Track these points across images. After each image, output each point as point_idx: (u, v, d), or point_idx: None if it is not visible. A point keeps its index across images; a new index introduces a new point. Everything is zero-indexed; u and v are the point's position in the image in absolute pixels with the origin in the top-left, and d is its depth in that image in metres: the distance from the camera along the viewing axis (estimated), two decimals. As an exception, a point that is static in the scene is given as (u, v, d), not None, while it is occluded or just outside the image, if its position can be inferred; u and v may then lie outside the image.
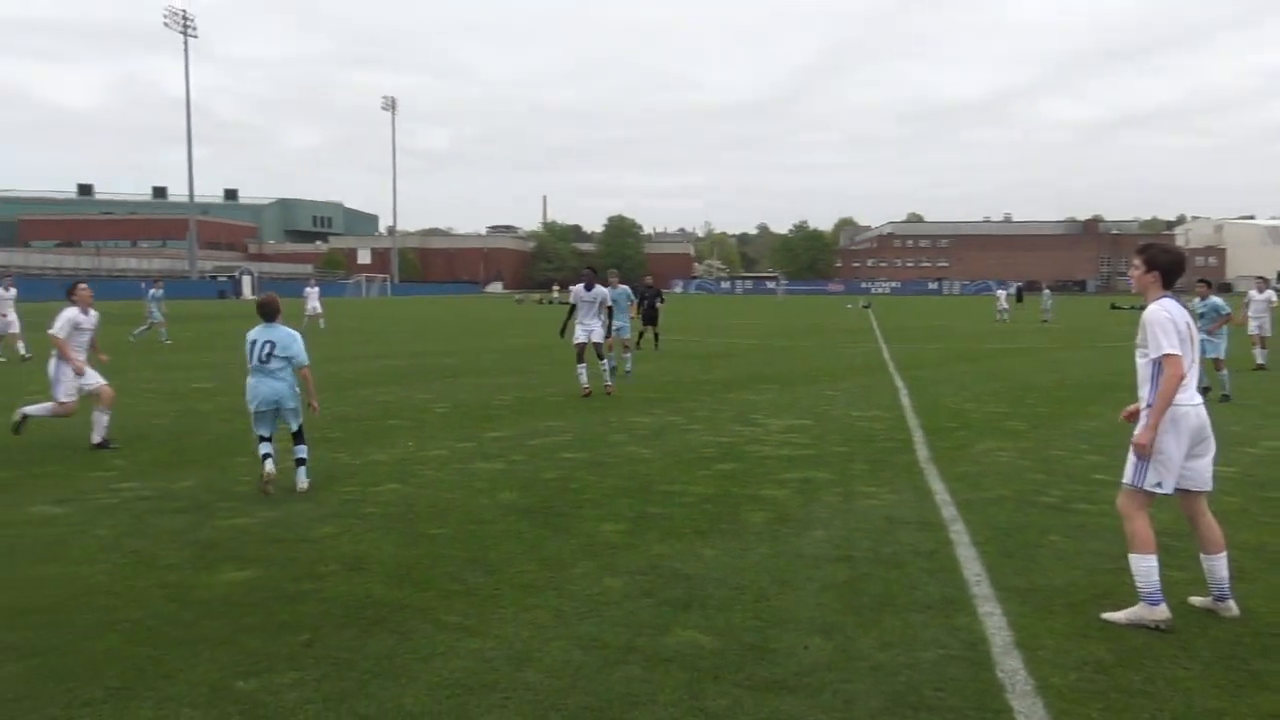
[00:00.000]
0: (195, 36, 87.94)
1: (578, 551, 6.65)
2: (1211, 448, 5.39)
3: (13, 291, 23.11)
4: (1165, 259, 5.45)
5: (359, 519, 7.58)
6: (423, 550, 6.68)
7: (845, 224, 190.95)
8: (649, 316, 25.32)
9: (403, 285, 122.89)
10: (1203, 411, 5.33)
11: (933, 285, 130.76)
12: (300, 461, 8.71)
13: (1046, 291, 49.57)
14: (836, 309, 60.57)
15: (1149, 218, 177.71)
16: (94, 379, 11.03)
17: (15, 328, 22.60)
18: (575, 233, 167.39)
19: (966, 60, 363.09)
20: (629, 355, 18.58)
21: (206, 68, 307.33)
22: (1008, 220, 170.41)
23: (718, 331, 35.94)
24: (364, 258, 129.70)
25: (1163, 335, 5.25)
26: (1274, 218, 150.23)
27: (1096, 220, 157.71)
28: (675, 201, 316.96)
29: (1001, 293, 49.97)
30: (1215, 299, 16.54)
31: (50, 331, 10.93)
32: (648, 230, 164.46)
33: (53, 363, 10.97)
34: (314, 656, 4.79)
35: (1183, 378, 5.20)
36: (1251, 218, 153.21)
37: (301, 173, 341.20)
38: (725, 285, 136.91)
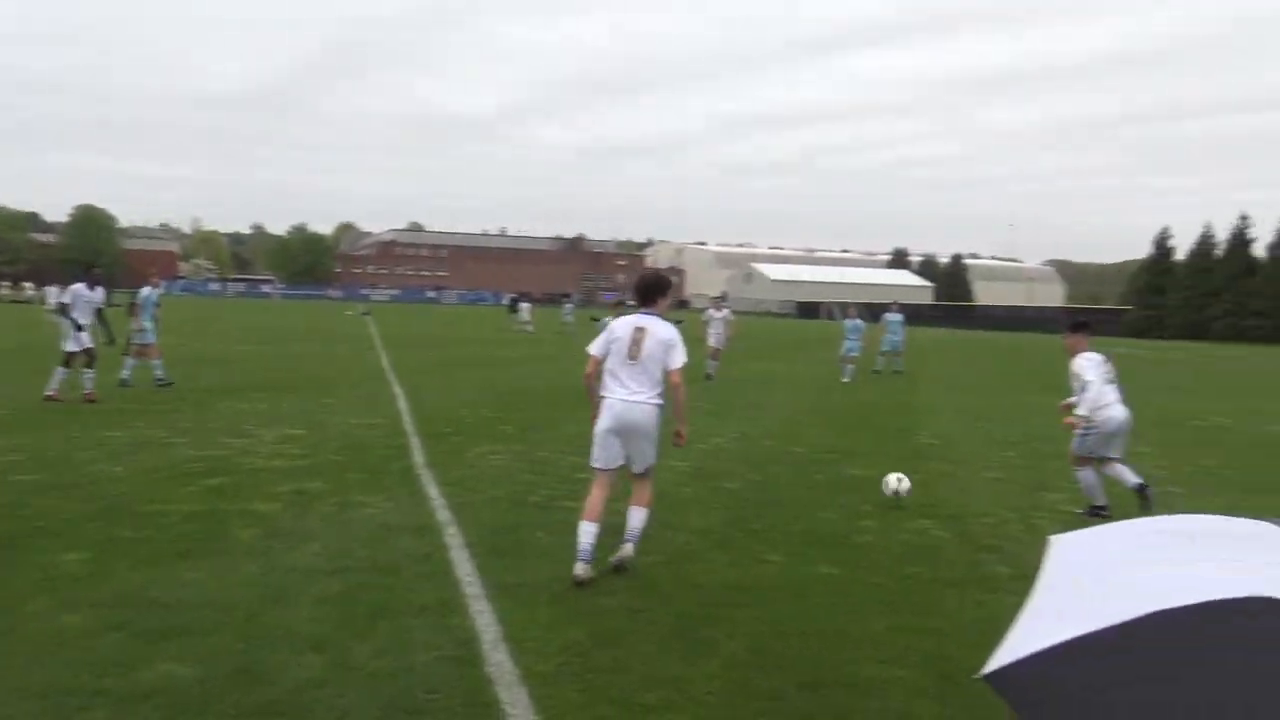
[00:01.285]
0: None
1: (31, 588, 5.81)
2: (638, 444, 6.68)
3: None
4: (638, 281, 6.98)
5: None
6: None
7: (346, 229, 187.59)
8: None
9: None
10: (618, 407, 6.57)
11: (432, 294, 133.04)
12: None
13: (568, 305, 52.97)
14: (336, 315, 59.30)
15: (625, 239, 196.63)
16: None
17: None
18: (33, 221, 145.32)
19: (466, 77, 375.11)
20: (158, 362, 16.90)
21: None
22: (504, 234, 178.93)
23: (206, 337, 33.43)
24: None
25: (597, 339, 6.73)
26: (722, 244, 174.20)
27: (581, 239, 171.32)
28: (158, 194, 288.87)
29: (525, 305, 52.06)
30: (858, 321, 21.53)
31: None
32: (125, 224, 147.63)
33: None
34: None
35: (590, 374, 6.75)
36: (705, 244, 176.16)
37: None
38: (215, 287, 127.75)
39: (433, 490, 9.04)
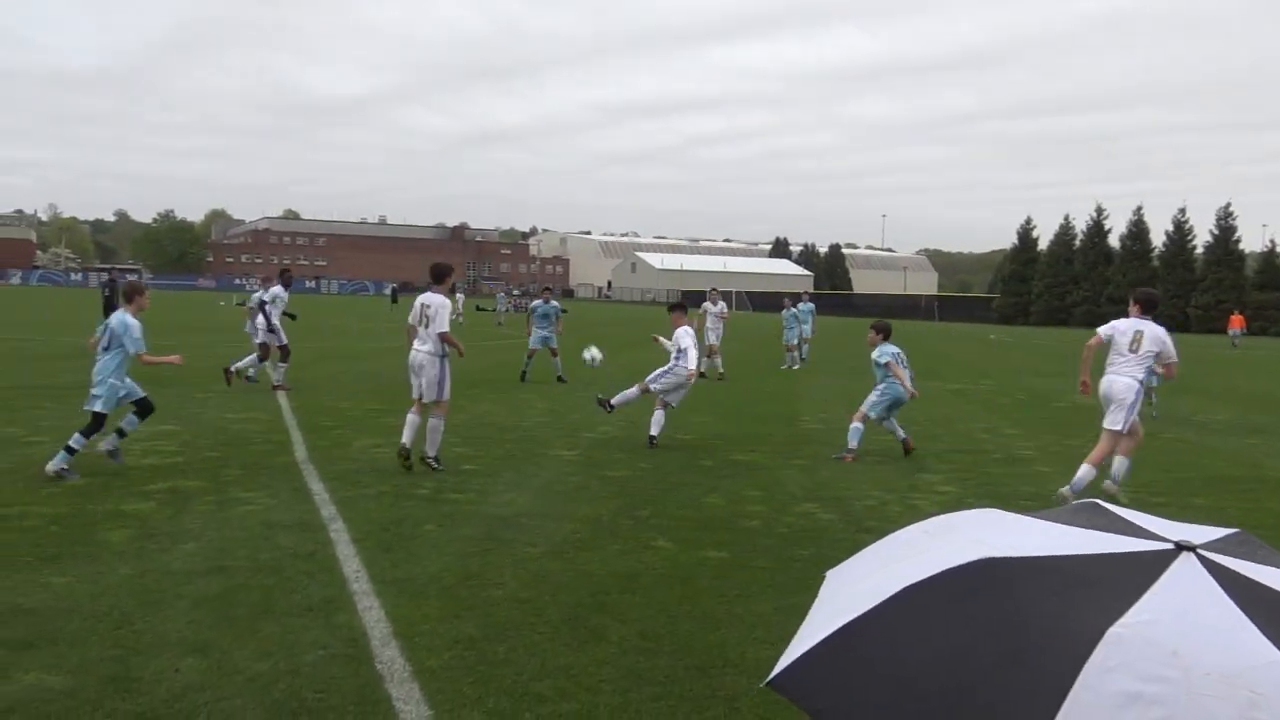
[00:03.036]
0: None
1: (-123, 599, 5.45)
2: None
3: None
4: (431, 267, 9.92)
5: None
6: None
7: (217, 216, 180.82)
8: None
9: None
10: (410, 355, 9.84)
11: (310, 284, 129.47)
12: None
13: (501, 295, 52.69)
14: (208, 306, 57.18)
15: (508, 228, 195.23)
16: None
17: None
18: None
19: (336, 59, 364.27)
20: None
21: None
22: (383, 222, 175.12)
23: (67, 329, 31.81)
24: None
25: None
26: (607, 234, 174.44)
27: (464, 227, 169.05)
28: (6, 178, 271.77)
29: (461, 297, 50.92)
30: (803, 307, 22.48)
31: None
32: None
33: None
34: None
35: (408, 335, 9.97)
36: (589, 233, 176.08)
37: None
38: (77, 277, 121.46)
39: (316, 485, 8.83)
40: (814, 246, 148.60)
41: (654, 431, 11.71)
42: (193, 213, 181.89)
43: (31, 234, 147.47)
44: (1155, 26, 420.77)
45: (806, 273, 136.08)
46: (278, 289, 17.11)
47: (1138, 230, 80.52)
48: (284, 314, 17.18)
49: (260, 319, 16.75)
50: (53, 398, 14.30)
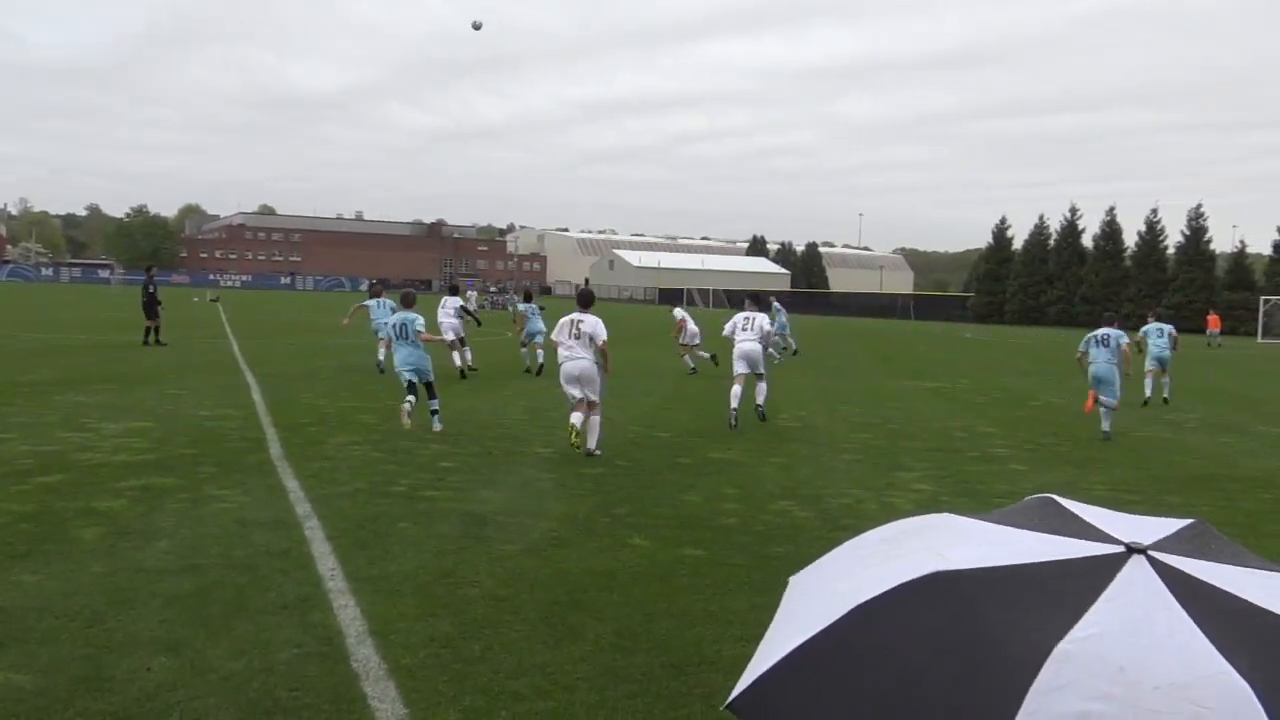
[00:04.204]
0: None
1: None
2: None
3: None
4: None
5: None
6: None
7: (191, 211, 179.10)
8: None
9: None
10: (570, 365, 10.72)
11: (285, 280, 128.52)
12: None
13: (473, 292, 52.99)
14: (183, 302, 56.60)
15: (485, 224, 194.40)
16: None
17: None
18: None
19: (313, 53, 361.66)
20: None
21: None
22: (360, 219, 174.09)
23: (40, 325, 31.46)
24: None
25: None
26: (584, 231, 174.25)
27: (440, 224, 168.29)
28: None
29: (473, 294, 51.45)
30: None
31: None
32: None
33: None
34: None
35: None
36: (566, 230, 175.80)
37: None
38: (48, 272, 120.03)
39: (291, 483, 8.77)
40: (791, 245, 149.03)
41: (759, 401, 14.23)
42: (167, 208, 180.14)
43: (1, 228, 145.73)
44: (1138, 27, 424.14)
45: (784, 271, 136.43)
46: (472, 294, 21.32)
47: (1110, 230, 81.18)
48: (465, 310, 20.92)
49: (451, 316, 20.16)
50: (25, 395, 14.13)
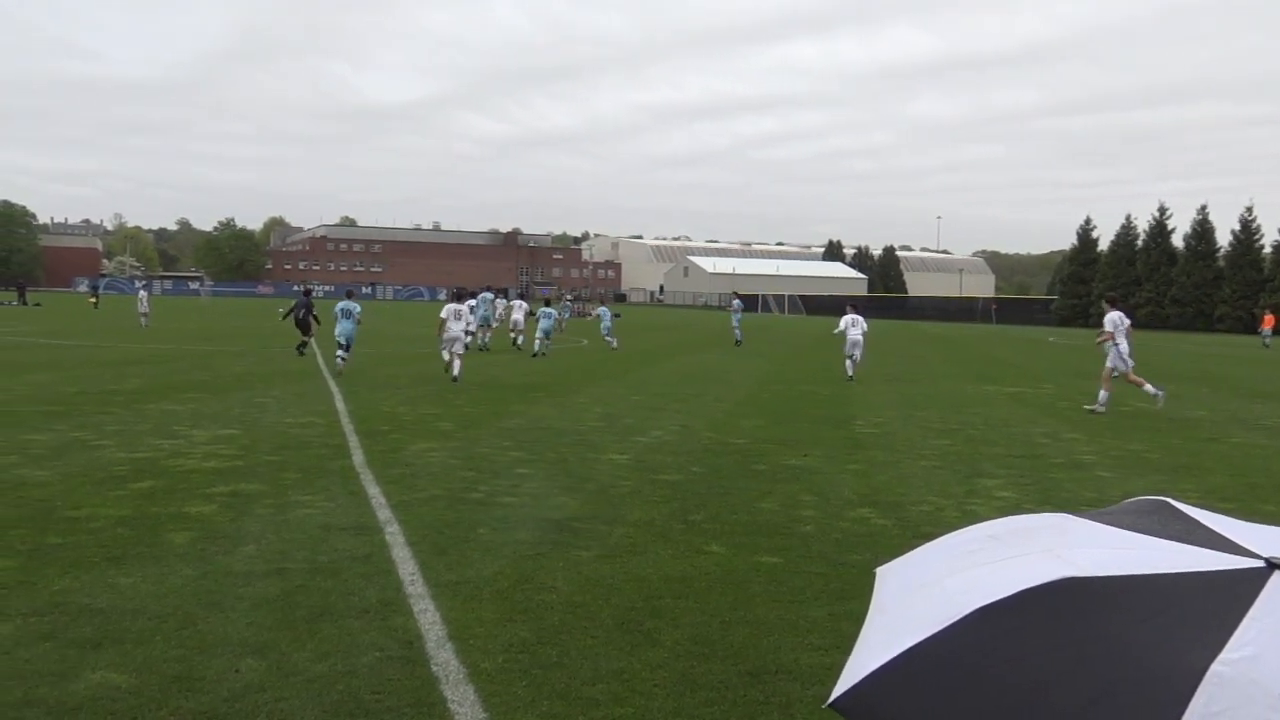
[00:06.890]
0: None
1: (-47, 598, 5.63)
2: None
3: None
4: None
5: None
6: None
7: (276, 224, 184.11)
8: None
9: None
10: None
11: (367, 290, 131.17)
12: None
13: (567, 301, 52.78)
14: (268, 312, 58.19)
15: (560, 232, 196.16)
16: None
17: None
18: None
19: (388, 65, 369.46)
20: None
21: None
22: (438, 229, 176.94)
23: (133, 336, 32.61)
24: None
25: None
26: (658, 238, 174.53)
27: (516, 233, 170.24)
28: (73, 189, 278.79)
29: (567, 302, 51.43)
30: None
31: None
32: (44, 220, 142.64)
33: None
34: None
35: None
36: (640, 237, 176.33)
37: None
38: (140, 285, 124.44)
39: (372, 489, 8.94)
40: (868, 249, 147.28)
41: None
42: (250, 220, 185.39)
43: (98, 243, 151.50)
44: (1221, 17, 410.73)
45: (860, 275, 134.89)
46: (487, 294, 24.13)
47: (1202, 230, 78.45)
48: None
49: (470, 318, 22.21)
50: (119, 403, 14.65)
